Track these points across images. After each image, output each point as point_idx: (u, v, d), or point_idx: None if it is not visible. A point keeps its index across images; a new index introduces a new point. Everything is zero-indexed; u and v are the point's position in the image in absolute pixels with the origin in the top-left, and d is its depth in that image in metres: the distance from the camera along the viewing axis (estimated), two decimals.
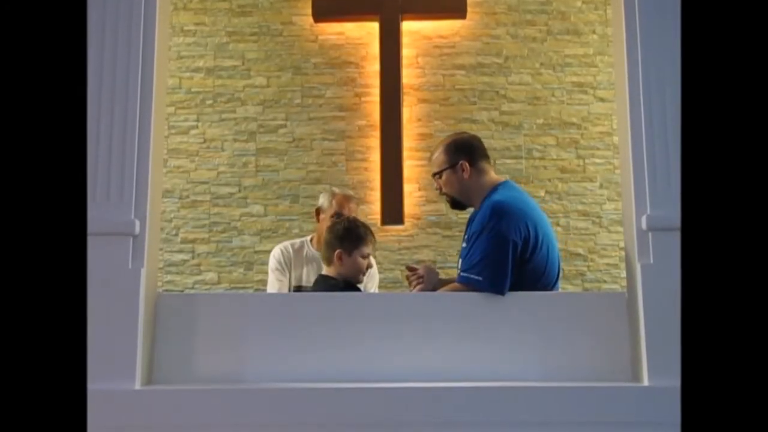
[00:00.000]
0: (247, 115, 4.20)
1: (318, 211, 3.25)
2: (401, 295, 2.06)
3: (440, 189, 2.46)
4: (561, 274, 2.43)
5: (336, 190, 3.28)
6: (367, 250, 2.58)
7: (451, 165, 2.40)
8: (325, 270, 2.61)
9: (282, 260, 3.17)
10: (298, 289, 3.08)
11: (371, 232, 2.62)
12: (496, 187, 2.36)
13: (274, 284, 3.14)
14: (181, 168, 4.17)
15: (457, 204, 2.48)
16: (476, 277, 2.10)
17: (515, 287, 2.09)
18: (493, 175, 2.43)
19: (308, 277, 3.09)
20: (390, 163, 4.01)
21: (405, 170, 4.01)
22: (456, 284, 2.22)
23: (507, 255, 2.13)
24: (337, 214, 3.09)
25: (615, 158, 4.08)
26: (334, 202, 3.14)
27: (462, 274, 2.19)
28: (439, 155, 2.45)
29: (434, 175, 2.47)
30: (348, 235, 2.55)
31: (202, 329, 1.88)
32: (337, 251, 2.52)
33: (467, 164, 2.38)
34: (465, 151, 2.41)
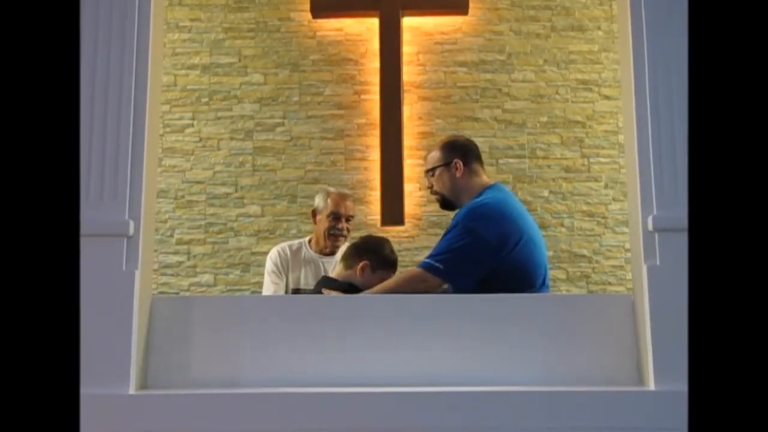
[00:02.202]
0: (244, 113, 4.21)
1: (314, 213, 3.25)
2: (402, 297, 2.06)
3: (432, 187, 2.55)
4: (548, 278, 2.47)
5: (331, 189, 3.28)
6: (390, 275, 2.53)
7: (446, 162, 2.49)
8: (337, 273, 2.58)
9: (279, 263, 3.17)
10: (297, 292, 3.08)
11: (395, 265, 2.60)
12: (484, 189, 2.45)
13: (269, 287, 3.14)
14: (176, 167, 4.17)
15: (446, 203, 2.55)
16: (437, 265, 2.20)
17: (493, 285, 2.16)
18: (484, 178, 2.53)
19: (306, 280, 3.09)
20: (390, 163, 4.01)
21: (405, 169, 4.01)
22: (415, 269, 2.31)
23: (476, 251, 2.23)
24: (334, 213, 3.10)
25: (620, 157, 4.08)
26: (329, 200, 3.15)
27: (425, 259, 2.29)
28: (434, 153, 2.55)
29: (427, 171, 2.56)
30: (380, 252, 2.53)
31: (198, 333, 1.88)
32: (365, 262, 2.49)
33: (461, 163, 2.48)
34: (460, 151, 2.51)
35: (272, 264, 3.18)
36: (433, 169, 2.52)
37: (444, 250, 2.25)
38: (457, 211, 2.45)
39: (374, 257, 2.51)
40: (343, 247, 3.00)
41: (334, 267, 2.79)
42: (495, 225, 2.29)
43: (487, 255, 2.24)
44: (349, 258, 2.54)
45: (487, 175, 2.56)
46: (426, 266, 2.24)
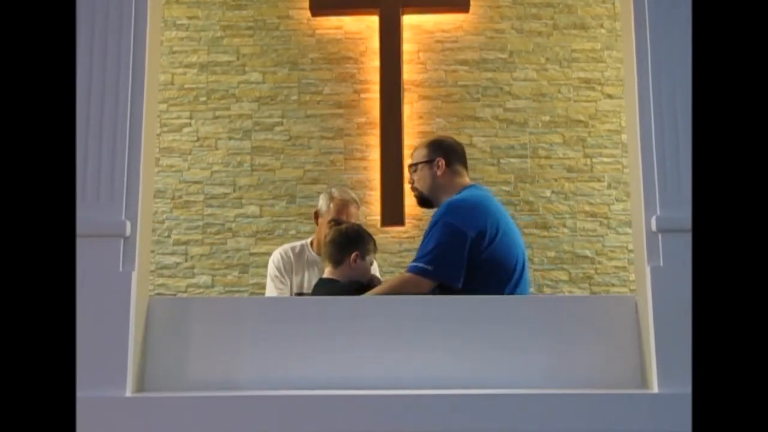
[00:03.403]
0: (242, 112, 4.21)
1: (316, 214, 3.22)
2: (402, 298, 2.06)
3: (413, 183, 2.61)
4: (526, 273, 2.49)
5: (335, 192, 3.20)
6: (374, 255, 2.70)
7: (428, 160, 2.55)
8: (328, 273, 2.60)
9: (282, 267, 3.14)
10: (300, 296, 3.06)
11: (376, 243, 2.76)
12: (462, 189, 2.50)
13: (272, 292, 3.12)
14: (173, 167, 4.17)
15: (424, 200, 2.60)
16: (427, 267, 2.26)
17: (470, 279, 2.23)
18: (465, 179, 2.57)
19: (310, 283, 3.07)
20: (390, 162, 4.01)
21: (406, 169, 4.00)
22: (405, 274, 2.35)
23: (459, 246, 2.28)
24: (336, 221, 3.04)
25: (623, 157, 4.08)
26: (332, 206, 3.11)
27: (412, 263, 2.33)
28: (420, 150, 2.62)
29: (410, 167, 2.63)
30: (361, 239, 2.64)
31: (196, 334, 1.88)
32: (355, 253, 2.57)
33: (443, 162, 2.53)
34: (444, 151, 2.57)
35: (275, 268, 3.14)
36: (416, 165, 2.58)
37: (429, 250, 2.30)
38: (434, 210, 2.51)
39: (359, 245, 2.61)
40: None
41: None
42: (473, 219, 2.34)
43: (468, 249, 2.30)
44: (336, 255, 2.61)
45: (469, 178, 2.61)
46: (416, 270, 2.29)
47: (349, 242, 2.60)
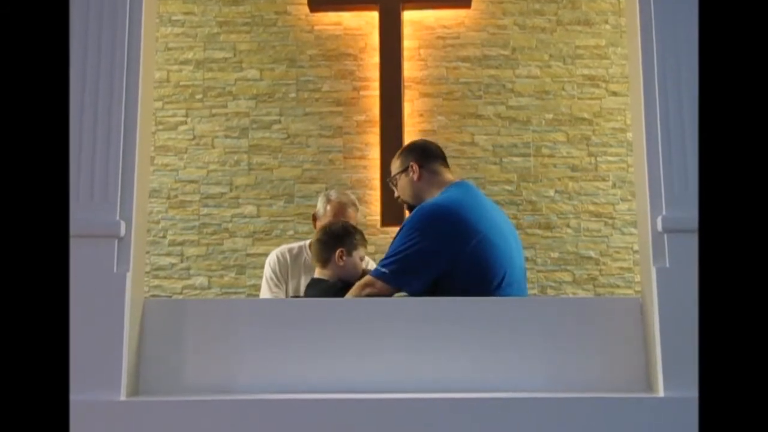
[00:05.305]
0: (239, 110, 4.21)
1: (314, 217, 3.23)
2: (402, 300, 2.07)
3: (398, 197, 2.57)
4: (517, 278, 2.36)
5: (332, 195, 3.20)
6: (363, 252, 2.66)
7: (403, 169, 2.51)
8: (318, 273, 2.61)
9: (278, 270, 3.13)
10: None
11: (365, 237, 2.74)
12: (445, 188, 2.43)
13: (267, 295, 3.11)
14: (169, 166, 4.17)
15: (413, 210, 2.51)
16: (383, 270, 2.24)
17: (446, 285, 2.18)
18: (447, 177, 2.49)
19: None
20: (390, 161, 4.00)
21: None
22: (367, 276, 2.34)
23: (421, 254, 2.23)
24: None
25: (629, 156, 4.08)
26: (329, 208, 3.11)
27: (376, 266, 2.32)
28: (393, 162, 2.58)
29: (389, 181, 2.59)
30: (347, 235, 2.61)
31: (192, 337, 1.88)
32: (339, 250, 2.56)
33: (416, 166, 2.48)
34: (415, 154, 2.52)
35: (271, 271, 3.14)
36: (393, 177, 2.55)
37: (390, 254, 2.28)
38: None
39: (344, 242, 2.59)
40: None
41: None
42: (443, 226, 2.26)
43: (434, 257, 2.24)
44: (323, 254, 2.60)
45: (452, 174, 2.53)
46: (374, 272, 2.29)
47: (333, 240, 2.59)
